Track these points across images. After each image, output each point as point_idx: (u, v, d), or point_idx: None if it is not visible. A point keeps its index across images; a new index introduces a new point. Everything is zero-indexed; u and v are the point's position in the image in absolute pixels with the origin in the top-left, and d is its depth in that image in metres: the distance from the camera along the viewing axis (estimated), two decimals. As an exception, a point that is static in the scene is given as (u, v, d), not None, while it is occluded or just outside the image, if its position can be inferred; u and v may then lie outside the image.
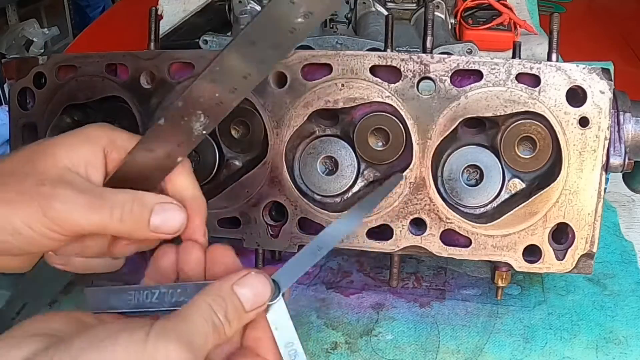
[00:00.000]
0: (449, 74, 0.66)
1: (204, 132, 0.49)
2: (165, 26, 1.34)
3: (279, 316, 0.48)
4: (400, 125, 0.68)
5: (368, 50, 1.00)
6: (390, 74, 0.67)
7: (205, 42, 1.08)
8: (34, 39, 3.29)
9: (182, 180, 0.54)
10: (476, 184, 0.70)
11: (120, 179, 0.52)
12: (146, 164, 0.51)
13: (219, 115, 0.48)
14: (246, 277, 0.46)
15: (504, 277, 0.70)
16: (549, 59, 0.67)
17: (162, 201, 0.51)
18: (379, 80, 0.67)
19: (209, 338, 0.44)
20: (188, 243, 0.52)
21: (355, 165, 0.71)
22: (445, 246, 0.68)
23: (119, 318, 0.49)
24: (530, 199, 0.66)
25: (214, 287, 0.46)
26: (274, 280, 0.48)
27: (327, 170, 0.72)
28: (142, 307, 0.49)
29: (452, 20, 1.26)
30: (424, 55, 0.67)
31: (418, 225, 0.69)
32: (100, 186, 0.51)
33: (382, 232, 0.69)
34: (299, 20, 0.41)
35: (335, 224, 0.51)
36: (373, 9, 1.15)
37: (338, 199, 0.72)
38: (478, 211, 0.70)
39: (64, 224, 0.48)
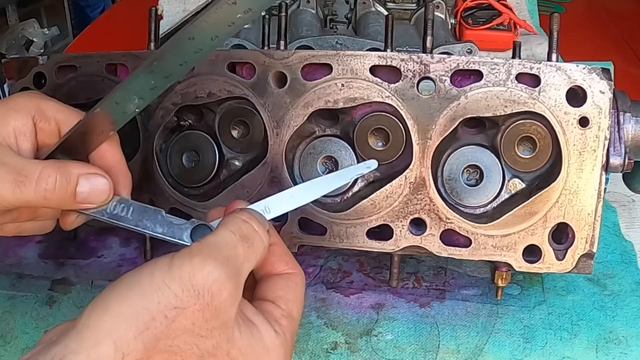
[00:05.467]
0: (449, 74, 0.66)
1: (137, 110, 0.51)
2: (165, 26, 1.34)
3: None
4: (400, 125, 0.68)
5: (368, 50, 1.00)
6: (390, 74, 0.67)
7: (205, 42, 1.07)
8: (34, 39, 3.29)
9: (109, 152, 0.55)
10: (476, 184, 0.69)
11: (55, 150, 0.54)
12: (79, 138, 0.53)
13: (151, 97, 0.51)
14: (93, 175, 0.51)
15: (504, 277, 0.70)
16: (549, 59, 0.67)
17: (87, 172, 0.52)
18: (379, 80, 0.67)
19: (240, 249, 0.45)
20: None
21: (355, 165, 0.71)
22: (445, 246, 0.68)
23: None
24: (530, 199, 0.66)
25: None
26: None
27: (327, 170, 0.72)
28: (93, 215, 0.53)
29: (452, 20, 1.26)
30: (424, 55, 0.67)
31: (418, 225, 0.69)
32: (30, 157, 0.53)
33: (382, 232, 0.69)
34: (239, 16, 0.44)
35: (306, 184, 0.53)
36: (373, 9, 1.15)
37: (338, 199, 0.72)
38: (478, 211, 0.70)
39: None
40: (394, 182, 0.68)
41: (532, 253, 0.67)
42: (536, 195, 0.66)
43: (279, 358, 0.45)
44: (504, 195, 0.70)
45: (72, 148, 0.54)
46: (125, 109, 0.51)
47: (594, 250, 0.66)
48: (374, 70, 0.67)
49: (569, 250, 0.66)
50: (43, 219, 0.56)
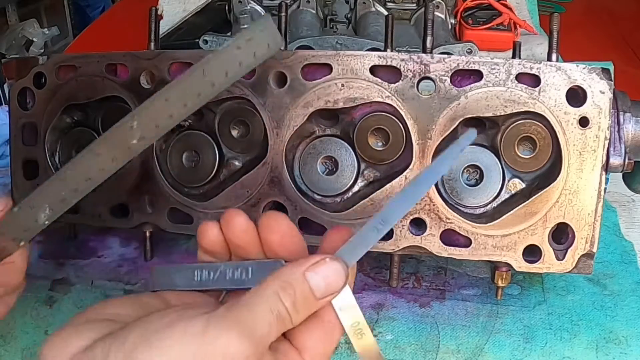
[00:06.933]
0: (449, 74, 0.66)
1: (47, 222, 0.53)
2: (165, 26, 1.34)
3: (342, 296, 0.45)
4: (400, 125, 0.68)
5: (368, 50, 1.00)
6: (390, 74, 0.67)
7: (205, 42, 1.08)
8: (34, 39, 3.29)
9: (21, 261, 0.57)
10: (476, 184, 0.69)
11: None
12: None
13: (62, 209, 0.53)
14: (320, 264, 0.43)
15: (504, 277, 0.70)
16: (549, 59, 0.67)
17: None
18: (379, 80, 0.67)
19: (273, 328, 0.41)
20: (230, 213, 0.48)
21: (355, 165, 0.71)
22: (445, 246, 0.68)
23: (182, 297, 0.48)
24: (530, 199, 0.66)
25: (284, 272, 0.43)
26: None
27: (327, 170, 0.72)
28: (204, 286, 0.48)
29: (452, 20, 1.26)
30: (424, 55, 0.67)
31: (418, 225, 0.69)
32: None
33: (382, 232, 0.69)
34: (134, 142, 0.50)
35: (396, 197, 0.47)
36: (373, 9, 1.15)
37: (338, 199, 0.72)
38: (478, 211, 0.70)
39: None
40: (394, 182, 0.68)
41: (532, 253, 0.67)
42: (536, 195, 0.66)
43: None
44: (504, 195, 0.70)
45: None
46: (36, 220, 0.53)
47: (594, 250, 0.66)
48: (374, 70, 0.67)
49: (569, 250, 0.66)
50: None
